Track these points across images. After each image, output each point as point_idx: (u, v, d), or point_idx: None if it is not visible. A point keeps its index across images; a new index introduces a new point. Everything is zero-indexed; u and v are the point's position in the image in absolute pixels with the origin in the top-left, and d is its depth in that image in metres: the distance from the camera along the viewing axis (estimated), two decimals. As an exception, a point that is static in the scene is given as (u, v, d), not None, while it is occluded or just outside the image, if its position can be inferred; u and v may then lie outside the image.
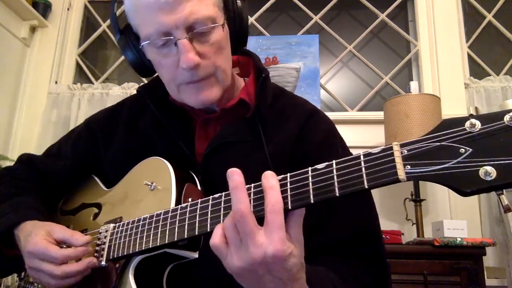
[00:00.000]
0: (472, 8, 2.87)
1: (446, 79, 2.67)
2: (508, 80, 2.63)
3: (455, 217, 2.40)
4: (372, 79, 2.87)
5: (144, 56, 0.90)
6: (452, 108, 2.52)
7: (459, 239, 1.89)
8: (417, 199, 2.25)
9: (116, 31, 0.94)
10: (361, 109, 2.80)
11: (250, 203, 0.62)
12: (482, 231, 2.39)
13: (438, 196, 2.49)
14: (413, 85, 2.33)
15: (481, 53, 2.80)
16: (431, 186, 2.49)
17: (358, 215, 0.87)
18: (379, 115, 2.48)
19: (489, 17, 2.83)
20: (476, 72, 2.76)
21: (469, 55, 2.77)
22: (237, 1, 0.91)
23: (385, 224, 2.44)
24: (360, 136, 2.61)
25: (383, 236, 2.04)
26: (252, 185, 0.65)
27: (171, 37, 0.81)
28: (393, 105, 2.24)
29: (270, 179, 0.62)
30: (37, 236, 0.85)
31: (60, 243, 0.86)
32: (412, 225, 2.27)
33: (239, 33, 0.92)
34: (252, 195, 0.64)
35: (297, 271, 0.61)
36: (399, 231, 2.16)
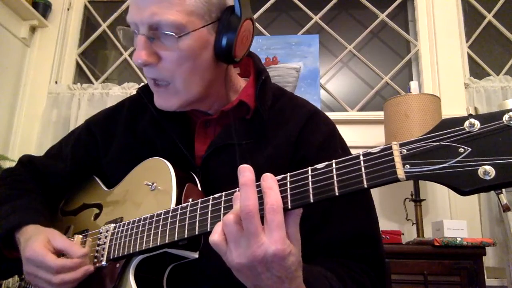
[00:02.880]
0: (472, 8, 2.87)
1: (446, 79, 2.67)
2: (508, 80, 2.63)
3: (455, 217, 2.40)
4: (372, 79, 2.87)
5: None
6: (452, 108, 2.52)
7: (459, 239, 1.89)
8: (417, 199, 2.25)
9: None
10: (361, 109, 2.80)
11: None
12: (482, 231, 2.39)
13: (438, 196, 2.50)
14: (413, 85, 2.33)
15: (481, 53, 2.80)
16: (431, 186, 2.49)
17: (358, 217, 0.87)
18: (379, 115, 2.48)
19: (489, 17, 2.83)
20: (476, 72, 2.76)
21: (469, 55, 2.77)
22: (231, 15, 0.85)
23: (385, 224, 2.44)
24: (360, 136, 2.61)
25: (383, 236, 2.04)
26: (252, 185, 0.65)
27: (135, 31, 0.84)
28: (393, 105, 2.24)
29: (268, 181, 0.62)
30: (36, 242, 0.85)
31: (59, 252, 0.87)
32: (412, 225, 2.28)
33: (223, 49, 0.85)
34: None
35: (295, 269, 0.62)
36: (399, 231, 2.16)
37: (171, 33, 0.80)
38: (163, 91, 0.88)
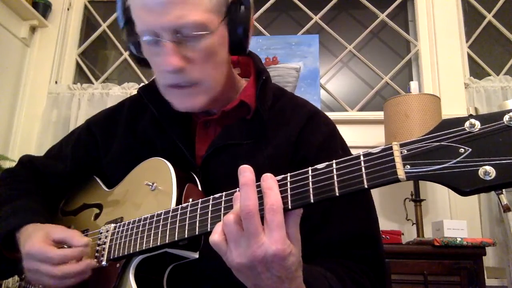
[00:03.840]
0: (472, 8, 2.87)
1: (446, 79, 2.67)
2: (508, 80, 2.63)
3: (455, 217, 2.40)
4: (372, 79, 2.87)
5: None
6: (452, 108, 2.52)
7: (459, 239, 1.89)
8: (417, 199, 2.25)
9: (121, 21, 0.93)
10: (361, 109, 2.80)
11: None
12: (482, 231, 2.39)
13: (438, 196, 2.50)
14: (413, 85, 2.33)
15: (481, 53, 2.80)
16: (431, 186, 2.49)
17: (358, 217, 0.87)
18: (379, 115, 2.48)
19: (489, 17, 2.83)
20: (476, 72, 2.76)
21: (469, 55, 2.77)
22: (241, 6, 0.87)
23: (385, 224, 2.44)
24: (360, 136, 2.61)
25: (383, 236, 2.04)
26: (251, 185, 0.65)
27: (158, 38, 0.81)
28: (393, 105, 2.24)
29: (268, 181, 0.62)
30: (35, 238, 0.85)
31: (60, 244, 0.86)
32: (412, 225, 2.28)
33: (238, 42, 0.89)
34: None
35: (295, 269, 0.62)
36: (399, 231, 2.16)
37: (197, 33, 0.80)
38: (188, 91, 0.86)
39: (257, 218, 0.60)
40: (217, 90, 0.89)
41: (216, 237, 0.63)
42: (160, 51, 0.83)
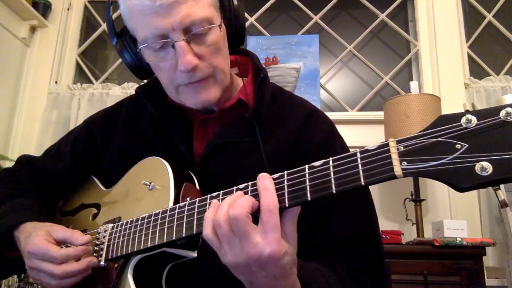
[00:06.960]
0: (472, 8, 2.87)
1: (446, 79, 2.67)
2: (508, 80, 2.63)
3: (455, 217, 2.40)
4: (372, 79, 2.87)
5: (142, 59, 0.90)
6: (452, 108, 2.51)
7: (459, 239, 1.89)
8: (417, 199, 2.24)
9: (112, 35, 0.93)
10: (361, 109, 2.80)
11: None
12: (482, 231, 2.39)
13: (438, 196, 2.49)
14: (413, 85, 2.33)
15: (481, 53, 2.80)
16: (431, 186, 2.49)
17: (357, 216, 0.87)
18: (379, 115, 2.48)
19: (489, 17, 2.83)
20: (476, 72, 2.76)
21: (469, 55, 2.77)
22: (233, 0, 0.91)
23: (385, 224, 2.44)
24: (360, 136, 2.61)
25: (383, 236, 2.04)
26: (250, 183, 0.65)
27: (168, 40, 0.81)
28: (393, 105, 2.24)
29: (264, 181, 0.62)
30: (37, 237, 0.85)
31: (60, 243, 0.86)
32: (412, 225, 2.27)
33: (236, 33, 0.92)
34: (249, 193, 0.65)
35: (290, 267, 0.62)
36: (399, 231, 2.16)
37: (206, 28, 0.82)
38: (201, 84, 0.87)
39: (245, 222, 0.59)
40: (227, 82, 0.91)
41: (208, 232, 0.63)
42: (168, 54, 0.84)
